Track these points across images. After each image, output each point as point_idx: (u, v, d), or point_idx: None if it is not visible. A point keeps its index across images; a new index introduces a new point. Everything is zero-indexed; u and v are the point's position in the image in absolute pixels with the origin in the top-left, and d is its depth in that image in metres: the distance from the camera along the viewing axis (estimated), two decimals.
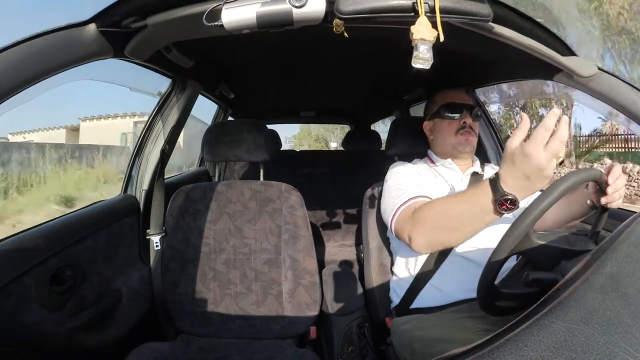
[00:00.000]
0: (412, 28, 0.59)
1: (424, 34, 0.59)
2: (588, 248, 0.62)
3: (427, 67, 0.60)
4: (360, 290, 1.19)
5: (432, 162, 1.08)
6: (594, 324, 0.29)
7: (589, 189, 0.76)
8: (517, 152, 0.59)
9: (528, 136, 0.60)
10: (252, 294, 1.14)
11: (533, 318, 0.31)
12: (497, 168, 1.10)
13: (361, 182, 1.28)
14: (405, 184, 0.94)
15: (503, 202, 0.63)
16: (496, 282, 0.64)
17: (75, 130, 13.36)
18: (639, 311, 0.30)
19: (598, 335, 0.28)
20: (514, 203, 0.63)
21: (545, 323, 0.30)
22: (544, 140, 0.57)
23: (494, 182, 0.64)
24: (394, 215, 0.88)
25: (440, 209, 0.77)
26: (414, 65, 0.60)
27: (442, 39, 0.59)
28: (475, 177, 1.01)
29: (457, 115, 1.02)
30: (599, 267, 0.33)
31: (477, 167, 1.07)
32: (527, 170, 0.59)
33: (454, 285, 0.90)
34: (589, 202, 0.77)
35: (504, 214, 0.66)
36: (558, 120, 0.57)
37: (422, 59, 0.59)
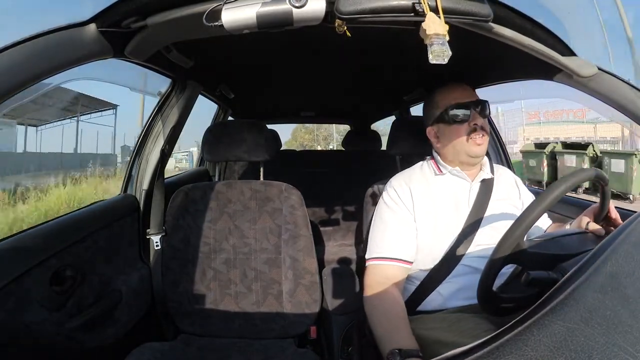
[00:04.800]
0: (424, 24, 0.58)
1: (437, 29, 0.58)
2: (584, 249, 0.62)
3: (446, 62, 0.59)
4: (360, 289, 1.19)
5: (439, 170, 0.98)
6: (594, 323, 0.29)
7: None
8: None
9: None
10: (252, 294, 1.14)
11: (533, 318, 0.30)
12: (505, 169, 1.06)
13: (361, 182, 1.28)
14: (387, 233, 0.92)
15: None
16: (495, 288, 0.64)
17: None
18: (639, 311, 0.30)
19: (598, 335, 0.28)
20: None
21: (545, 323, 0.30)
22: None
23: None
24: (366, 261, 0.94)
25: (371, 318, 0.83)
26: (431, 62, 0.58)
27: (447, 38, 0.59)
28: (485, 184, 0.95)
29: (465, 118, 0.90)
30: (598, 267, 0.33)
31: (487, 171, 0.97)
32: None
33: (459, 292, 0.87)
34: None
35: None
36: None
37: (439, 54, 0.58)
